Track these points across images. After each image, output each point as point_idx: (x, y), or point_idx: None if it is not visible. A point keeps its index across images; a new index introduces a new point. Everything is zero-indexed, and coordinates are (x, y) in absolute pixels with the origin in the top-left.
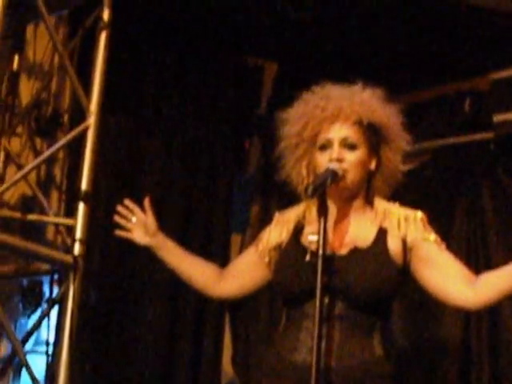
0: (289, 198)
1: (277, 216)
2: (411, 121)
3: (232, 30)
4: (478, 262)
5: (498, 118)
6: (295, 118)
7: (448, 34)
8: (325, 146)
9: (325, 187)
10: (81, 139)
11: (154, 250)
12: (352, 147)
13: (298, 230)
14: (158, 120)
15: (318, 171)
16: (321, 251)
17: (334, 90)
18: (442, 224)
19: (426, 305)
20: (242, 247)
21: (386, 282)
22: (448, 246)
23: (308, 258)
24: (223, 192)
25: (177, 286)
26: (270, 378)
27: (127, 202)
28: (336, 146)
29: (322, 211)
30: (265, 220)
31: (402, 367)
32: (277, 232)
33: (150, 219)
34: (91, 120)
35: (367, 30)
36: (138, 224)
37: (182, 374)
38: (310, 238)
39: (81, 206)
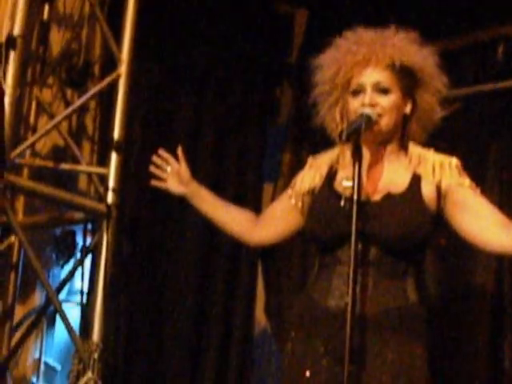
0: (321, 146)
1: (310, 160)
2: (443, 68)
3: None
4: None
5: None
6: (327, 64)
7: None
8: (357, 91)
9: (359, 132)
10: (112, 89)
11: (188, 199)
12: (385, 91)
13: (332, 175)
14: (189, 68)
15: (350, 116)
16: (355, 197)
17: (365, 34)
18: (475, 171)
19: (458, 251)
20: (274, 196)
21: (419, 228)
22: (482, 193)
23: (342, 203)
24: (255, 141)
25: (210, 236)
26: (303, 323)
27: (161, 151)
28: (369, 90)
29: (357, 157)
30: (296, 168)
31: (435, 313)
32: (310, 176)
33: (183, 168)
34: (122, 69)
35: None
36: (172, 173)
37: (215, 323)
38: (345, 183)
39: (113, 155)
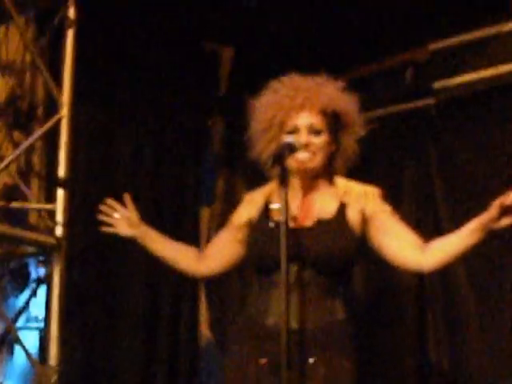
0: (251, 171)
1: (246, 197)
2: (358, 92)
3: (192, 18)
4: (427, 222)
5: (437, 85)
6: (266, 106)
7: (388, 10)
8: (292, 131)
9: (283, 157)
10: (56, 130)
11: (139, 240)
12: (317, 133)
13: (266, 206)
14: (126, 107)
15: None
16: (284, 217)
17: (301, 82)
18: (391, 188)
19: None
20: (211, 218)
21: (346, 249)
22: (398, 209)
23: (272, 225)
24: (191, 168)
25: (156, 261)
26: (244, 340)
27: (109, 200)
28: (303, 131)
29: (283, 179)
30: (230, 192)
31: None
32: (246, 210)
33: (132, 213)
34: (64, 111)
35: (312, 14)
36: (122, 218)
37: (163, 338)
38: (273, 206)
39: (60, 192)
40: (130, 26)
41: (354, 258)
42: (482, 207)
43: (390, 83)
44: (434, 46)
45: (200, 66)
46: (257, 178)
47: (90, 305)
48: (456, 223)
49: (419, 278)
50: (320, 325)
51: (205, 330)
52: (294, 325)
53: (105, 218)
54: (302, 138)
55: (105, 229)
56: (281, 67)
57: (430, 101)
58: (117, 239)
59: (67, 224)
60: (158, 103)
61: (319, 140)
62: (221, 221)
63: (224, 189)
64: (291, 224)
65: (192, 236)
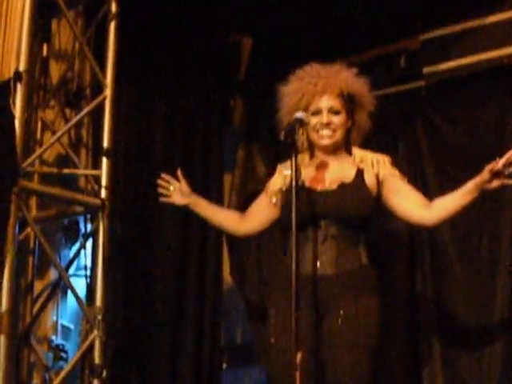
0: (267, 144)
1: (278, 167)
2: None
3: (217, 13)
4: (416, 186)
5: (427, 70)
6: (292, 92)
7: (386, 5)
8: (316, 112)
9: (294, 131)
10: (101, 107)
11: (191, 208)
12: (336, 113)
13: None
14: (160, 88)
15: (309, 130)
16: (294, 182)
17: (321, 70)
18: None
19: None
20: (232, 182)
21: (366, 207)
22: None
23: (284, 188)
24: (216, 141)
25: (185, 219)
26: (284, 286)
27: (164, 175)
28: (325, 112)
29: (293, 150)
30: (248, 160)
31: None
32: (279, 179)
33: (184, 185)
34: (107, 92)
35: (321, 9)
36: (175, 190)
37: (192, 283)
38: (285, 172)
39: (104, 160)
40: (163, 20)
41: (372, 215)
42: (464, 174)
43: (387, 68)
44: (424, 36)
45: (223, 54)
46: (270, 150)
47: (130, 255)
48: (442, 187)
49: (409, 229)
50: (349, 269)
51: (226, 276)
52: (328, 271)
53: (162, 191)
54: (324, 118)
55: (162, 199)
56: (292, 55)
57: (421, 84)
58: (151, 200)
59: (110, 187)
60: (188, 86)
61: (338, 119)
62: (240, 184)
63: (243, 158)
64: (319, 187)
65: (217, 196)
